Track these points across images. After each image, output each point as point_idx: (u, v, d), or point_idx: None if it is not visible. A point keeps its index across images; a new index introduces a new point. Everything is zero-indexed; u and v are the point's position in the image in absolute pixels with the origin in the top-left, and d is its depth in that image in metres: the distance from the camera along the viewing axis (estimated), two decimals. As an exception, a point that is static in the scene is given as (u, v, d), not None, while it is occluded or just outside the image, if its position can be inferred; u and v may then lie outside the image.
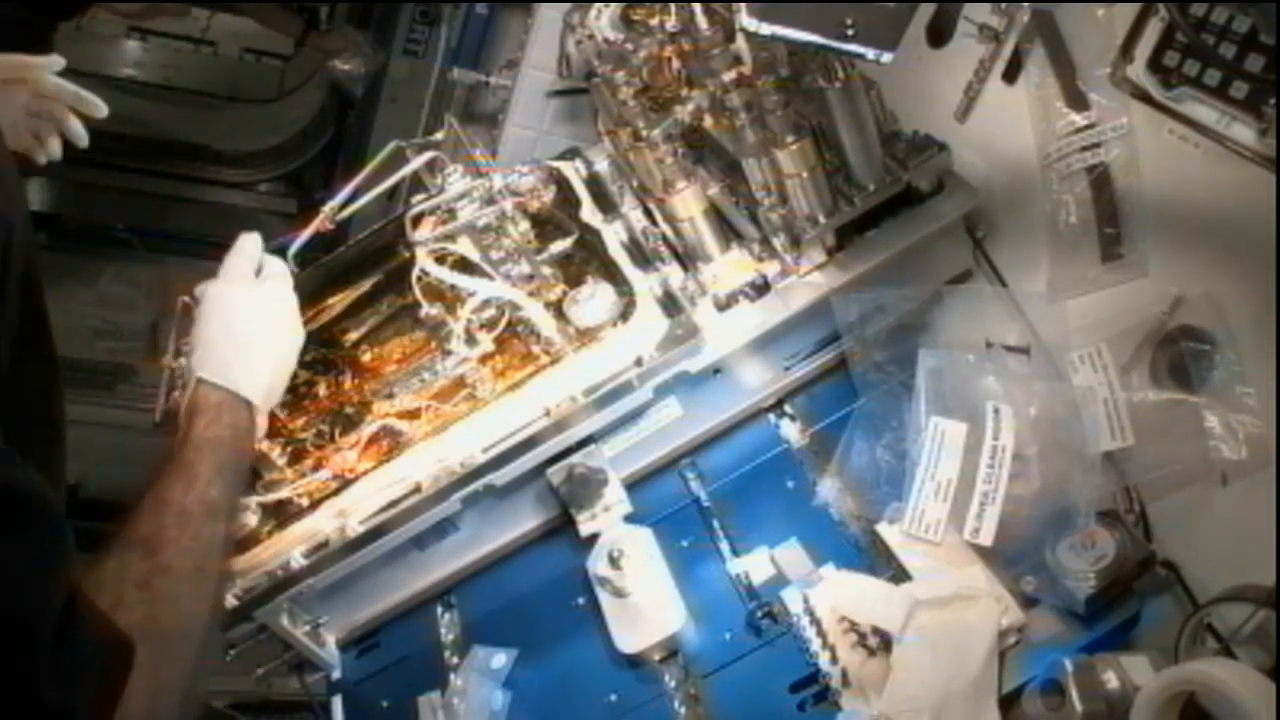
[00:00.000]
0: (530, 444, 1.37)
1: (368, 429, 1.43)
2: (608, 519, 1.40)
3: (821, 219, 1.37)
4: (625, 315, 1.40)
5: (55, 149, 1.64)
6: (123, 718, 0.89)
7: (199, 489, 1.11)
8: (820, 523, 1.36)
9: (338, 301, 1.65)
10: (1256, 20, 1.01)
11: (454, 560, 1.52)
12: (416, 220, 1.55)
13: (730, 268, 1.47)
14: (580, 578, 1.40)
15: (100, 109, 1.62)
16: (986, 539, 1.18)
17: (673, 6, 1.42)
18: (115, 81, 3.50)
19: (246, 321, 1.31)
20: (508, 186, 1.49)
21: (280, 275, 1.42)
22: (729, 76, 1.31)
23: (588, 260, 1.50)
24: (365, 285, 1.65)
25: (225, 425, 1.21)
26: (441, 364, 1.46)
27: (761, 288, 1.44)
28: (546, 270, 1.47)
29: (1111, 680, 1.04)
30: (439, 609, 1.54)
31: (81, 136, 1.65)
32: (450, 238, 1.48)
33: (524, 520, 1.52)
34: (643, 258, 1.48)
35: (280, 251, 1.50)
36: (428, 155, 1.51)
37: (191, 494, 1.10)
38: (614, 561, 1.32)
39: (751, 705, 1.25)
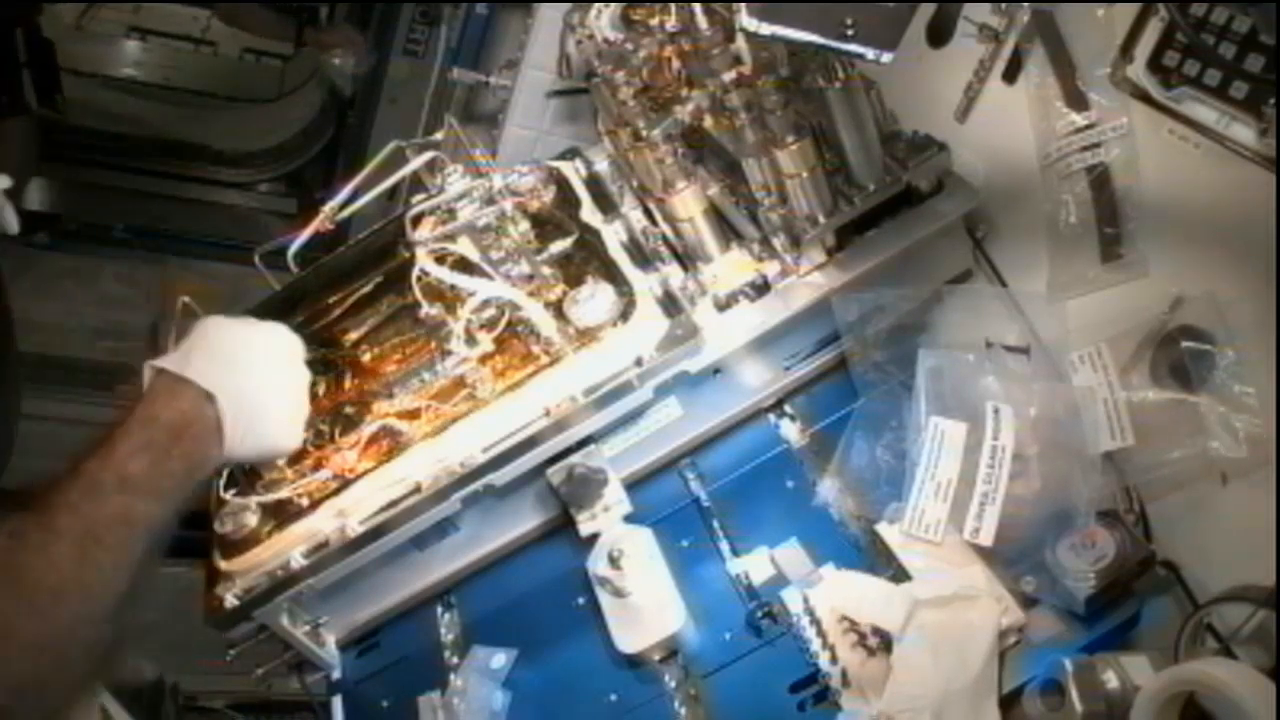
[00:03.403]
0: (530, 444, 1.36)
1: (368, 429, 1.43)
2: (608, 519, 1.40)
3: (821, 219, 1.37)
4: (625, 315, 1.39)
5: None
6: None
7: (116, 461, 1.09)
8: (820, 523, 1.36)
9: (338, 301, 1.65)
10: (1256, 20, 1.01)
11: (454, 560, 1.52)
12: (416, 220, 1.55)
13: (730, 268, 1.47)
14: (580, 578, 1.40)
15: (12, 229, 1.50)
16: (986, 539, 1.17)
17: (673, 6, 1.41)
18: (115, 81, 3.51)
19: (232, 338, 1.27)
20: (508, 186, 1.49)
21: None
22: (729, 76, 1.31)
23: (588, 260, 1.50)
24: (365, 285, 1.65)
25: (165, 407, 1.17)
26: (441, 364, 1.46)
27: (761, 288, 1.44)
28: (546, 270, 1.47)
29: (1111, 680, 1.04)
30: (439, 609, 1.54)
31: (11, 226, 1.51)
32: (450, 238, 1.48)
33: (524, 520, 1.52)
34: (643, 258, 1.48)
35: (280, 252, 1.49)
36: (428, 155, 1.50)
37: (108, 466, 1.08)
38: (614, 561, 1.32)
39: (751, 705, 1.25)
